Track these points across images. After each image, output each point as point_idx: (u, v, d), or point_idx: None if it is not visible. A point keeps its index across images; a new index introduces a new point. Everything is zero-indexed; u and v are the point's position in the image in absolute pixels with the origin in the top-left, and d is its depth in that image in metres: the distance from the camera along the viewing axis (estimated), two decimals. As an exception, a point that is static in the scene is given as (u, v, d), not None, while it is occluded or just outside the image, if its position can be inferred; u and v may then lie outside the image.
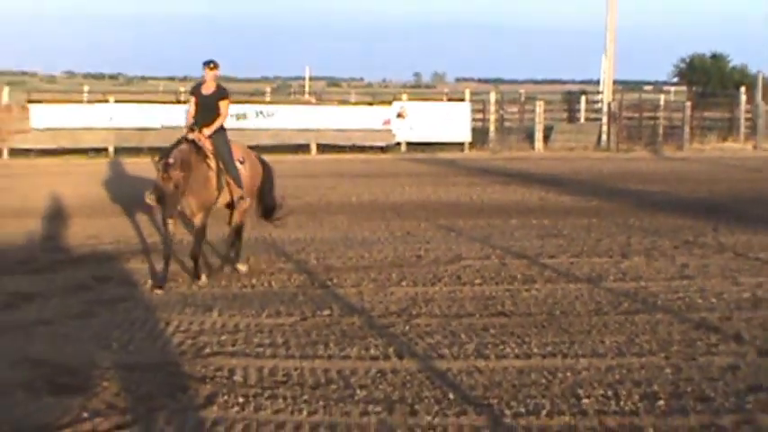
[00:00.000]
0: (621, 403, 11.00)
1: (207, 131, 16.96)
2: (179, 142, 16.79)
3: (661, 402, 11.02)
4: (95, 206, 26.11)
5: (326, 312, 15.10)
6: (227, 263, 17.81)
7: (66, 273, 16.90)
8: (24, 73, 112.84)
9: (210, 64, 17.35)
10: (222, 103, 17.37)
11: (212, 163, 16.63)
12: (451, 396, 11.15)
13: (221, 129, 17.65)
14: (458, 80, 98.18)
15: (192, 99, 17.62)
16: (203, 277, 16.81)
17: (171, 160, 15.68)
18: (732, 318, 15.01)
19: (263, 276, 17.91)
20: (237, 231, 18.43)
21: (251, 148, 44.88)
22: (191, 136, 16.80)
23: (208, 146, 16.82)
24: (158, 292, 15.92)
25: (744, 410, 10.74)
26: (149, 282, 16.17)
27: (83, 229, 21.79)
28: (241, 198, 17.59)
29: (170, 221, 16.40)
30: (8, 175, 35.09)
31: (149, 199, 16.96)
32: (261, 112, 48.18)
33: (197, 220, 16.80)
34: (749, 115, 58.00)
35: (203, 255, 17.01)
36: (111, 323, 14.12)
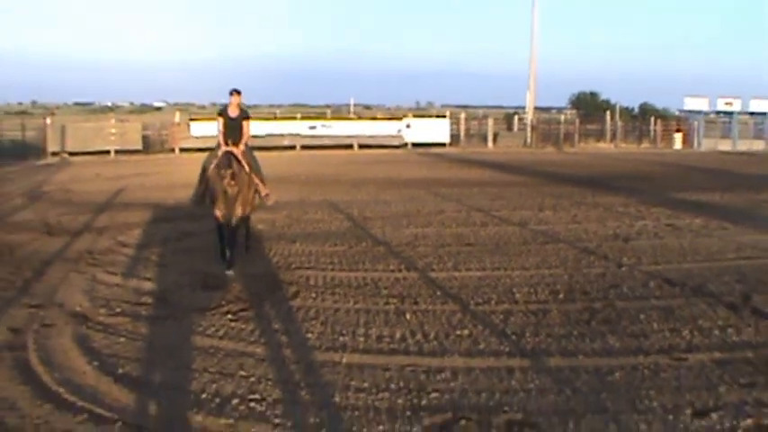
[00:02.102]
0: (538, 296, 11.12)
1: (241, 147, 13.67)
2: (228, 156, 13.15)
3: (561, 295, 11.13)
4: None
5: (363, 244, 15.11)
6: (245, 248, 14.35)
7: (211, 220, 16.85)
8: (187, 104, 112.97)
9: (235, 92, 14.03)
10: (246, 123, 14.11)
11: (247, 168, 13.54)
12: (438, 293, 11.23)
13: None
14: (442, 105, 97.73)
15: (221, 120, 13.99)
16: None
17: (235, 170, 12.89)
18: (602, 246, 15.00)
19: (326, 222, 17.93)
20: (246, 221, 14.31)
21: (319, 147, 44.95)
22: (228, 149, 13.33)
23: (240, 155, 13.33)
24: (229, 272, 12.55)
25: (608, 299, 10.90)
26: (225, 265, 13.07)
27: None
28: (267, 195, 14.19)
29: (221, 214, 13.06)
30: (178, 164, 35.09)
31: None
32: (324, 125, 48.36)
33: (240, 213, 13.30)
34: (612, 127, 58.23)
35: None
36: (239, 250, 14.14)
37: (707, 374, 7.90)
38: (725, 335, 9.32)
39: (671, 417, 6.84)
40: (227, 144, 13.37)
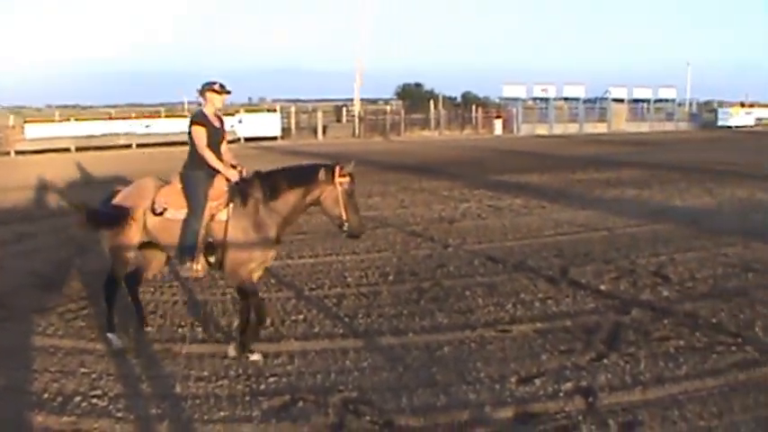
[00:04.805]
0: (369, 279, 11.24)
1: (243, 171, 8.89)
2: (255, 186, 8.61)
3: (391, 277, 11.28)
4: (66, 181, 25.23)
5: (202, 237, 14.85)
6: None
7: (49, 221, 16.39)
8: (21, 106, 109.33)
9: (222, 88, 8.64)
10: (226, 135, 9.18)
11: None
12: (273, 281, 11.17)
13: None
14: (274, 100, 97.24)
15: (203, 130, 8.52)
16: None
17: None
18: (429, 228, 15.30)
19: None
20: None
21: (154, 144, 44.05)
22: (234, 173, 8.80)
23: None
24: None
25: (435, 279, 11.15)
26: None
27: (58, 195, 21.21)
28: None
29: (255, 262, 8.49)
30: (14, 167, 34.01)
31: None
32: (159, 123, 48.04)
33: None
34: (436, 116, 59.31)
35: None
36: (77, 249, 13.69)
37: (530, 344, 8.16)
38: (545, 306, 9.65)
39: (497, 385, 7.01)
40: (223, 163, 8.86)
